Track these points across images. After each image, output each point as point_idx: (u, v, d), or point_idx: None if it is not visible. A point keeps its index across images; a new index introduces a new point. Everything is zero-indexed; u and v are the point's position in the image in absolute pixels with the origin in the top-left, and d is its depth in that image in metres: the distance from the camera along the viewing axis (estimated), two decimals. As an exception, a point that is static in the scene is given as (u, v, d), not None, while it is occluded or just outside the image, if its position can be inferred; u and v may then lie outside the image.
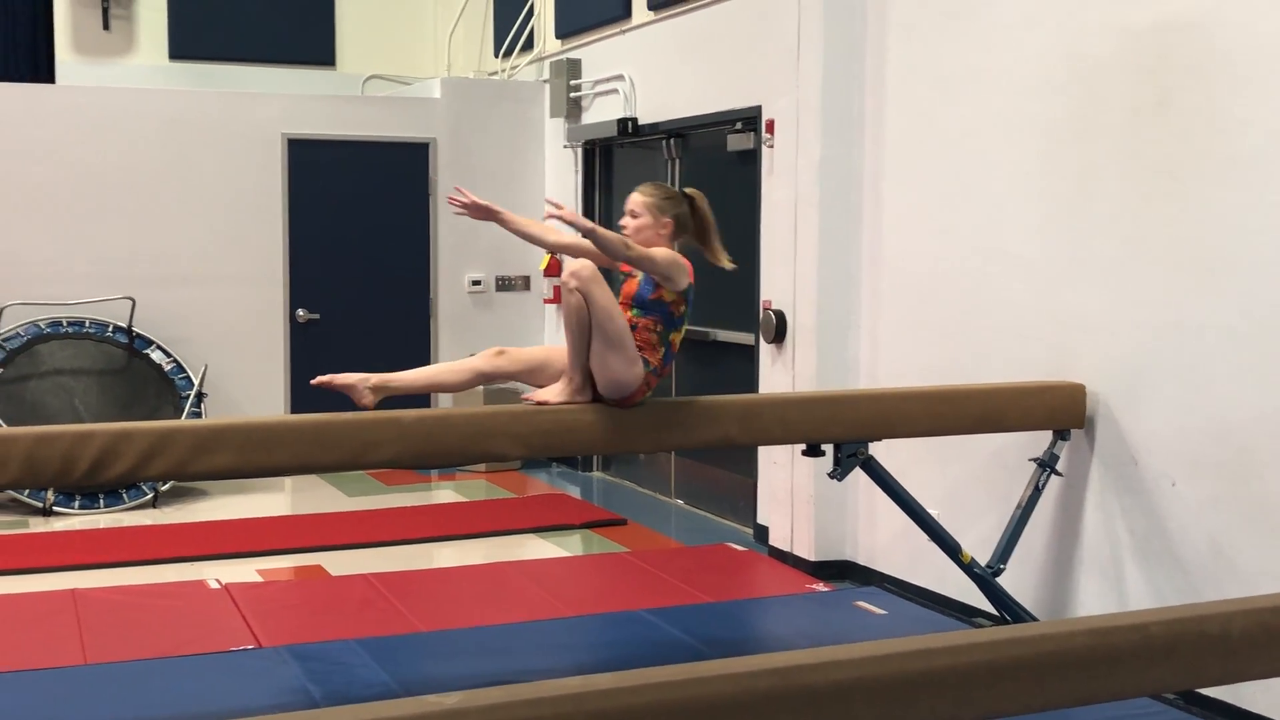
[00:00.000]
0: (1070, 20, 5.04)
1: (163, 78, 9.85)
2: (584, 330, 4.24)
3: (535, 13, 9.43)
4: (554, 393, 4.39)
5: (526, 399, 4.45)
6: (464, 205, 4.45)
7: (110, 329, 8.29)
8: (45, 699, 4.46)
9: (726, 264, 4.60)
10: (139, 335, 8.32)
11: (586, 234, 4.26)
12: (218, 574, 6.15)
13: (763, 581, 6.18)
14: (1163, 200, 4.66)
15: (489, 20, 10.12)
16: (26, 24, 9.65)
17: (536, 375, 4.49)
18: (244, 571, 6.29)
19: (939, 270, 5.70)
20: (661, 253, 4.34)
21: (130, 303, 8.31)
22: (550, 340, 9.37)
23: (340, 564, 6.47)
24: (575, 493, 8.42)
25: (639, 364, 4.31)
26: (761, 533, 6.83)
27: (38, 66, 9.68)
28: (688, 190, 4.60)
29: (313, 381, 4.34)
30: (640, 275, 4.39)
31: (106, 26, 9.75)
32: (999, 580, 5.10)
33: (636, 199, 4.45)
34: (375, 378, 4.37)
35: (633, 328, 4.33)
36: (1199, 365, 4.53)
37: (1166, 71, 4.64)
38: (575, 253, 4.47)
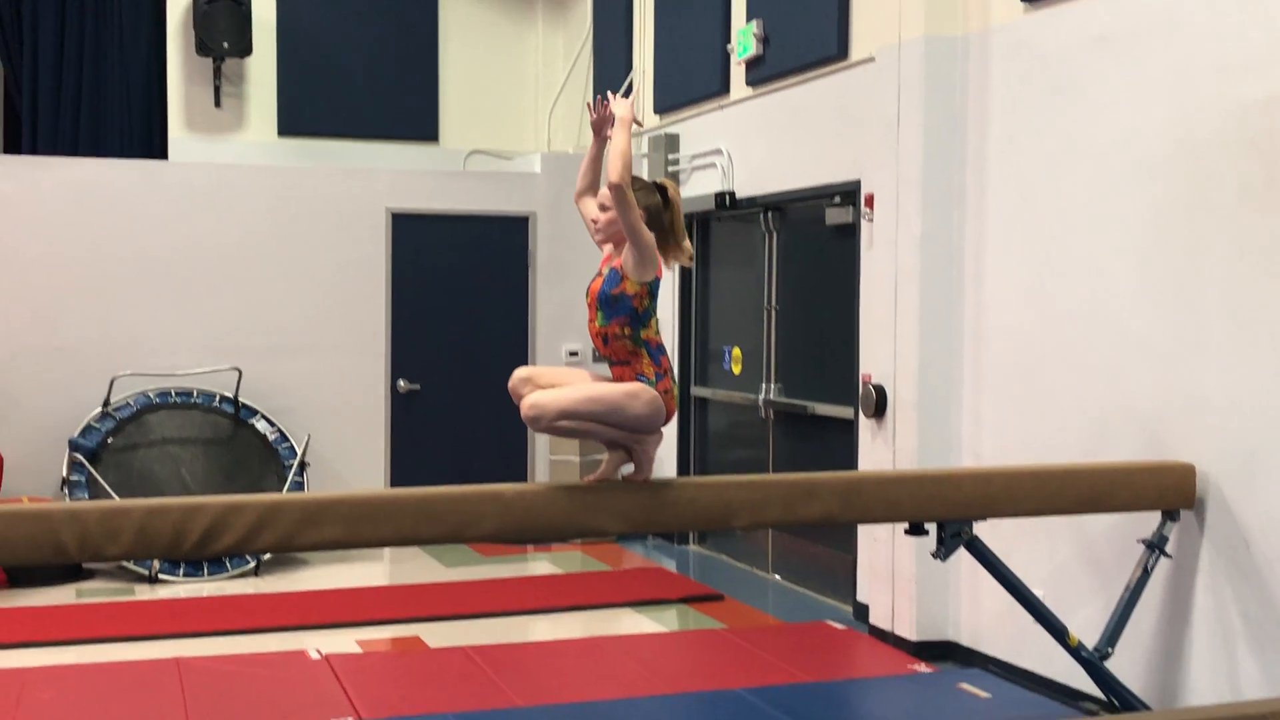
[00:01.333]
0: (1177, 95, 4.99)
1: (272, 153, 10.09)
2: (589, 431, 4.23)
3: (634, 89, 9.54)
4: (604, 471, 4.34)
5: (586, 481, 4.37)
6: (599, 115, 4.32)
7: (217, 399, 8.45)
8: (150, 768, 4.51)
9: (686, 261, 4.40)
10: (244, 405, 8.48)
11: (600, 133, 4.26)
12: (318, 643, 6.20)
13: (863, 661, 6.09)
14: (1273, 279, 4.57)
15: (588, 96, 10.25)
16: (141, 102, 9.96)
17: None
18: (344, 641, 6.34)
19: (1043, 347, 5.63)
20: (649, 234, 4.16)
21: (237, 373, 8.47)
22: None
23: (438, 635, 6.49)
24: (671, 566, 8.39)
25: (644, 392, 4.18)
26: (861, 610, 6.74)
27: (151, 143, 9.97)
28: (660, 180, 4.43)
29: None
30: (605, 271, 4.24)
31: (218, 104, 10.01)
32: (1107, 664, 4.99)
33: (605, 194, 4.22)
34: None
35: (604, 340, 4.22)
36: (1315, 446, 4.42)
37: (1276, 148, 4.57)
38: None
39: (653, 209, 4.25)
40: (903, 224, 6.21)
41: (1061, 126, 5.55)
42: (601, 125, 4.34)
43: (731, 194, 8.19)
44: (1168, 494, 4.86)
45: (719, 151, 8.38)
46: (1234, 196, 4.74)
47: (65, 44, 9.80)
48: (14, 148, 10.25)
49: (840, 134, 7.10)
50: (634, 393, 4.19)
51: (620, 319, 4.21)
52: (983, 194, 6.00)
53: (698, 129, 8.72)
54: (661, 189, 4.32)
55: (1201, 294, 4.86)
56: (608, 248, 4.33)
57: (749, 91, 8.11)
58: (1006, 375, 5.85)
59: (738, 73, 8.20)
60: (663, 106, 9.17)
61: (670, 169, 8.91)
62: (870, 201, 6.53)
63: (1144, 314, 5.11)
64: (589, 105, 4.39)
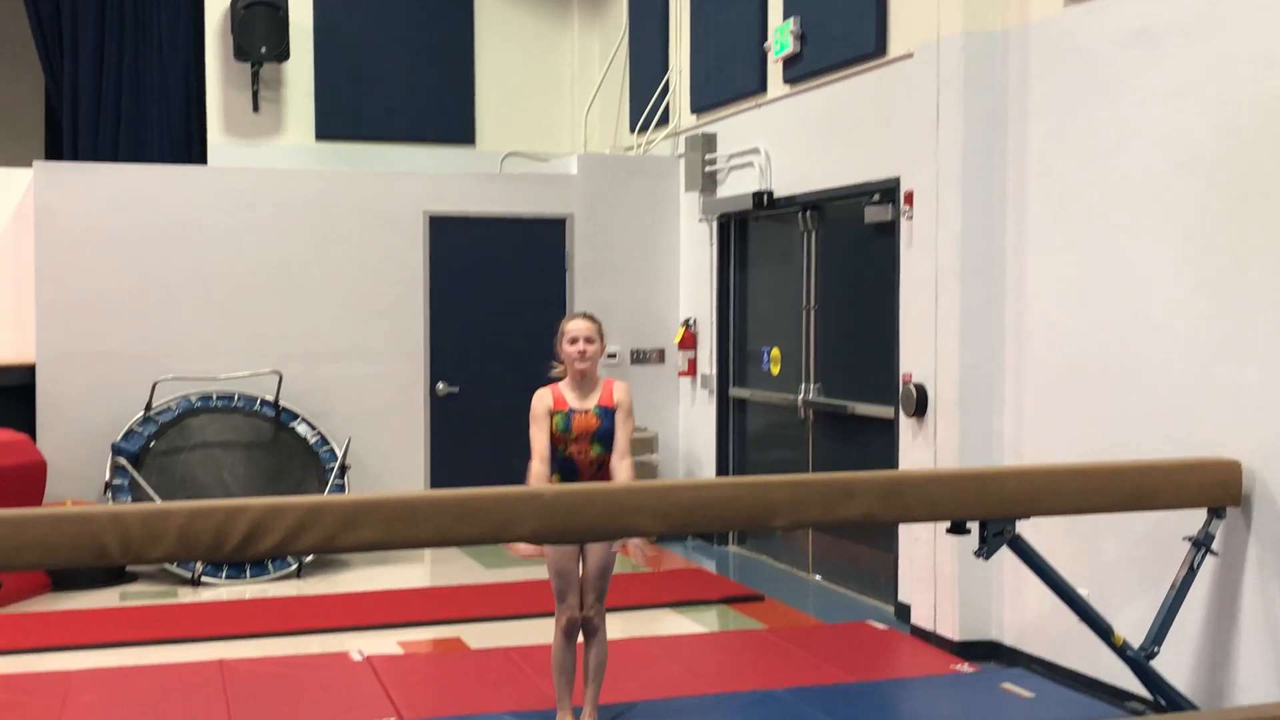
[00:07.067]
0: (1220, 89, 4.93)
1: (309, 158, 10.14)
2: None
3: (671, 88, 9.53)
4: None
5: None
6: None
7: (258, 403, 8.49)
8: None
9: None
10: (285, 409, 8.52)
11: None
12: (360, 645, 6.22)
13: (905, 661, 6.05)
14: (1322, 271, 4.51)
15: (625, 97, 10.25)
16: (180, 108, 10.04)
17: None
18: (385, 643, 6.36)
19: (1085, 344, 5.58)
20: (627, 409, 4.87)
21: (278, 377, 8.51)
22: (685, 412, 9.38)
23: (479, 636, 6.50)
24: (711, 567, 8.37)
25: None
26: (903, 610, 6.70)
27: (191, 149, 10.04)
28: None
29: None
30: (595, 408, 4.78)
31: (256, 109, 10.07)
32: (1153, 664, 4.93)
33: (591, 326, 4.84)
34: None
35: (598, 467, 4.76)
36: (1364, 442, 4.36)
37: (1323, 139, 4.51)
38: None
39: None
40: (943, 222, 6.17)
41: (1103, 122, 5.50)
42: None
43: (769, 193, 8.17)
44: (1213, 491, 4.81)
45: (756, 150, 8.35)
46: (1278, 191, 4.67)
47: (105, 52, 9.89)
48: (55, 154, 10.37)
49: (879, 131, 7.06)
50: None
51: (610, 450, 4.79)
52: (1024, 190, 5.95)
53: (735, 128, 8.70)
54: None
55: (1246, 290, 4.80)
56: (538, 413, 4.80)
57: (786, 89, 8.09)
58: (1049, 373, 5.80)
59: (775, 71, 8.18)
60: (699, 106, 9.15)
61: (707, 169, 8.89)
62: (910, 199, 6.50)
63: (1188, 310, 5.06)
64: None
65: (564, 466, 4.75)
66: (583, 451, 4.73)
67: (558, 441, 4.74)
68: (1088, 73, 5.59)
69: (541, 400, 4.81)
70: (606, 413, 4.75)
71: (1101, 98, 5.51)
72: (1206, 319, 4.97)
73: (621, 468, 4.76)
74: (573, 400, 4.78)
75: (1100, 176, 5.52)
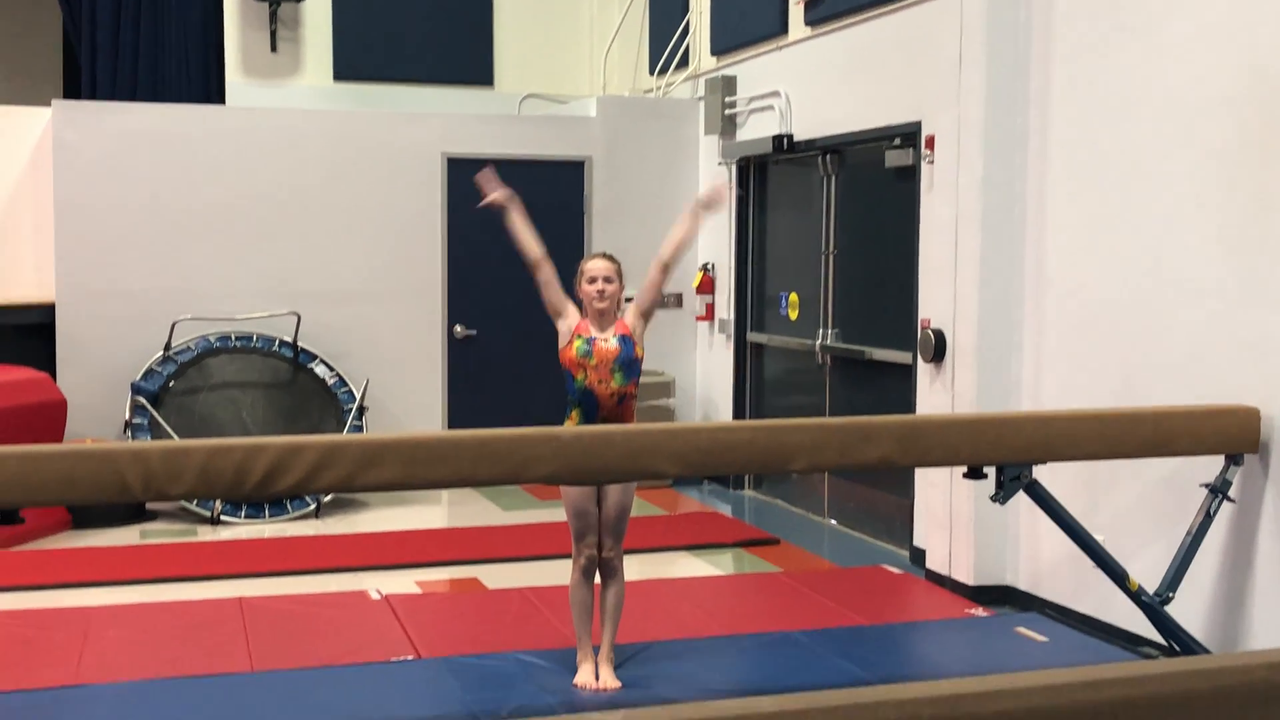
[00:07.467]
0: (1248, 34, 4.87)
1: (327, 98, 10.10)
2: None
3: (690, 30, 9.46)
4: None
5: None
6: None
7: (276, 343, 8.52)
8: (215, 706, 4.58)
9: None
10: (304, 350, 8.54)
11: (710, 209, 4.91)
12: (378, 584, 6.27)
13: (920, 605, 6.08)
14: (1346, 218, 4.48)
15: (644, 39, 10.18)
16: (198, 47, 9.99)
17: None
18: (403, 582, 6.40)
19: (1105, 290, 5.55)
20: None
21: (296, 318, 8.52)
22: (702, 357, 9.38)
23: (496, 577, 6.54)
24: (727, 511, 8.40)
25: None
26: (918, 555, 6.72)
27: (209, 89, 10.01)
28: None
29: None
30: (614, 337, 4.69)
31: (274, 49, 10.02)
32: (1167, 609, 4.95)
33: (610, 266, 4.79)
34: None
35: (619, 400, 4.68)
36: (1385, 390, 4.34)
37: (1351, 84, 4.46)
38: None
39: None
40: (964, 166, 6.13)
41: (1127, 65, 5.45)
42: (710, 205, 4.96)
43: (789, 136, 8.12)
44: (1231, 438, 4.80)
45: (777, 94, 8.30)
46: (1305, 135, 4.64)
47: (124, -10, 9.84)
48: (74, 94, 10.34)
49: (901, 75, 7.01)
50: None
51: (637, 378, 4.73)
52: (1046, 135, 5.91)
53: (755, 71, 8.64)
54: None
55: (1269, 237, 4.77)
56: (569, 317, 4.75)
57: (807, 32, 8.02)
58: (1068, 319, 5.78)
59: (796, 13, 8.11)
60: (719, 48, 9.09)
61: (727, 112, 8.84)
62: (931, 143, 6.45)
63: (1209, 256, 5.03)
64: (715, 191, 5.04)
65: (583, 398, 4.70)
66: (603, 382, 4.65)
67: (576, 367, 4.68)
68: (1112, 15, 5.53)
69: (574, 314, 4.78)
70: (625, 340, 4.70)
71: (1126, 41, 5.46)
72: (1227, 266, 4.95)
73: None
74: (594, 331, 4.74)
75: (1124, 120, 5.47)
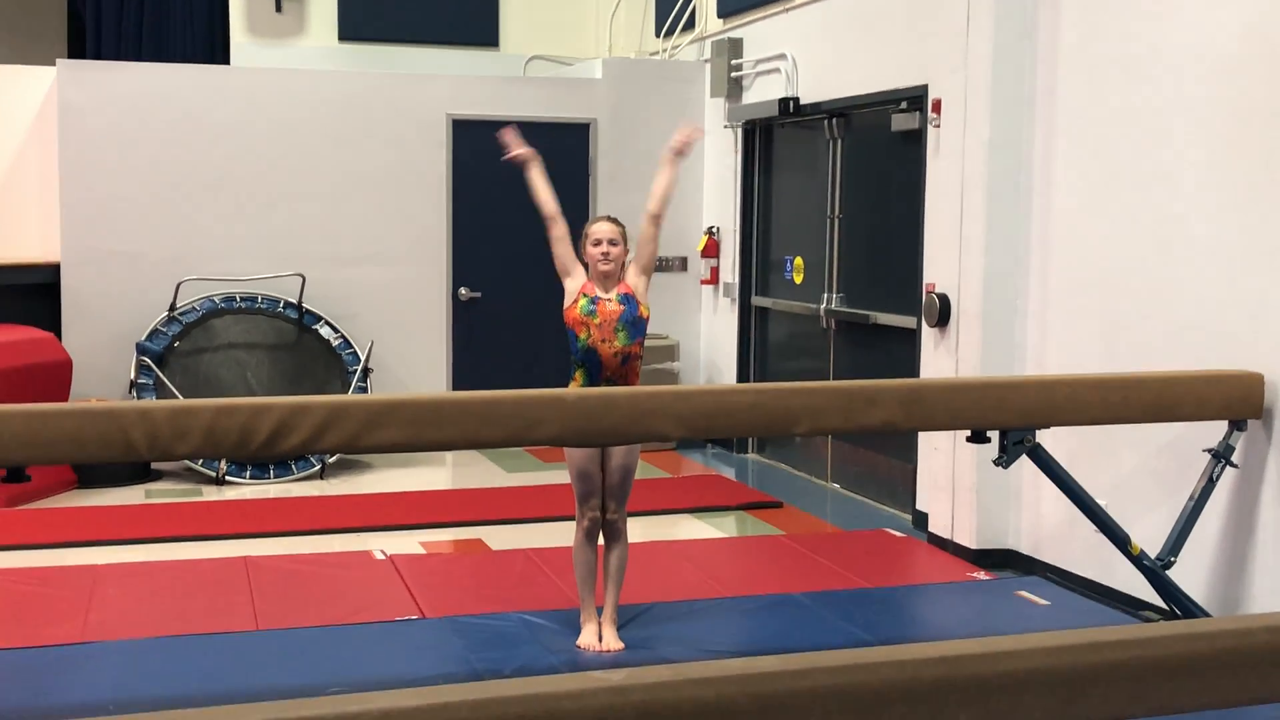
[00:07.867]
0: (1256, -4, 4.85)
1: (332, 59, 10.07)
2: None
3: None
4: None
5: None
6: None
7: (281, 305, 8.52)
8: (220, 664, 4.61)
9: None
10: (308, 311, 8.55)
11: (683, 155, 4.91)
12: (382, 545, 6.29)
13: (922, 568, 6.10)
14: (1353, 183, 4.47)
15: (650, 0, 10.13)
16: (203, 7, 9.97)
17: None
18: (407, 543, 6.43)
19: (1110, 254, 5.55)
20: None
21: (300, 279, 8.53)
22: (706, 320, 9.38)
23: (500, 538, 6.57)
24: (730, 474, 8.42)
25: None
26: (921, 519, 6.75)
27: (214, 48, 9.98)
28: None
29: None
30: (616, 296, 4.72)
31: (279, 9, 9.99)
32: (1169, 573, 4.97)
33: (614, 229, 4.79)
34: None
35: (623, 360, 4.69)
36: (1389, 356, 4.34)
37: (1360, 49, 4.44)
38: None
39: None
40: (970, 130, 6.11)
41: (1134, 29, 5.43)
42: (683, 150, 4.92)
43: (795, 100, 8.09)
44: (1235, 403, 4.81)
45: (783, 56, 8.27)
46: (1313, 100, 4.62)
47: (127, -52, 9.81)
48: (78, 53, 10.32)
49: (907, 37, 6.98)
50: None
51: (641, 339, 4.74)
52: (1052, 99, 5.89)
53: (761, 33, 8.60)
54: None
55: (1276, 201, 4.76)
56: (576, 277, 4.78)
57: (814, -6, 7.98)
58: (1073, 284, 5.77)
59: (803, -25, 8.07)
60: (726, 10, 9.05)
61: (733, 75, 8.80)
62: (937, 107, 6.43)
63: (1215, 221, 5.02)
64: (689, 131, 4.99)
65: (587, 358, 4.71)
66: (606, 341, 4.66)
67: (580, 326, 4.70)
68: (1122, -21, 5.50)
69: (581, 274, 4.81)
70: (628, 299, 4.73)
71: (1134, 4, 5.43)
72: (1233, 230, 4.94)
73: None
74: (599, 291, 4.76)
75: (1130, 84, 5.45)
